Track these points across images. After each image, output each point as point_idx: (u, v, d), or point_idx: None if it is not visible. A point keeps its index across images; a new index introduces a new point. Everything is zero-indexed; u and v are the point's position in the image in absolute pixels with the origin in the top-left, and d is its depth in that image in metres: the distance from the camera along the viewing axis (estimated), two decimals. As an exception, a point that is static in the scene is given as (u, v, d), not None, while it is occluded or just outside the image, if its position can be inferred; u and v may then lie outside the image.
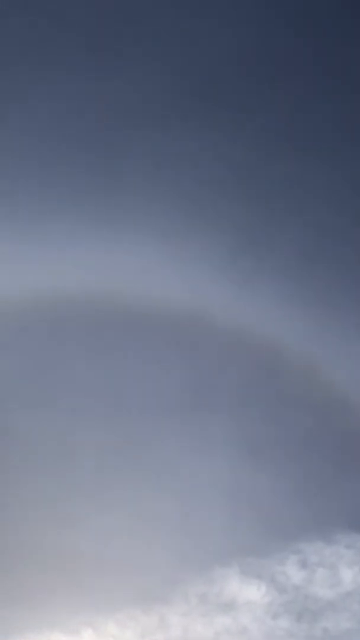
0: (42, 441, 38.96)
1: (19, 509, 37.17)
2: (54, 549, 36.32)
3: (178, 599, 37.93)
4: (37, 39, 26.99)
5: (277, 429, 33.78)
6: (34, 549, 35.58)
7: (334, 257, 29.34)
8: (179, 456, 39.56)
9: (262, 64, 28.76)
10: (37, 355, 40.96)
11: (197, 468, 38.63)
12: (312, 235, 30.74)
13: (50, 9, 27.15)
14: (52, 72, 26.08)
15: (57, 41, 26.65)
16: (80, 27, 26.49)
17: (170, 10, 27.77)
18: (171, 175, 31.21)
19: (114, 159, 31.16)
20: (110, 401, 39.71)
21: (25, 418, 39.24)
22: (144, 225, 37.21)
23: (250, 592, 37.30)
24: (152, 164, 30.08)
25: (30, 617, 34.32)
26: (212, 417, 41.20)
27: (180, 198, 37.43)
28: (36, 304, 34.38)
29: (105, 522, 36.86)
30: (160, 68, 27.68)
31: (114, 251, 38.92)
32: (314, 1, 27.08)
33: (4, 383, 36.90)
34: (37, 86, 26.63)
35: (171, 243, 37.91)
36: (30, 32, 26.67)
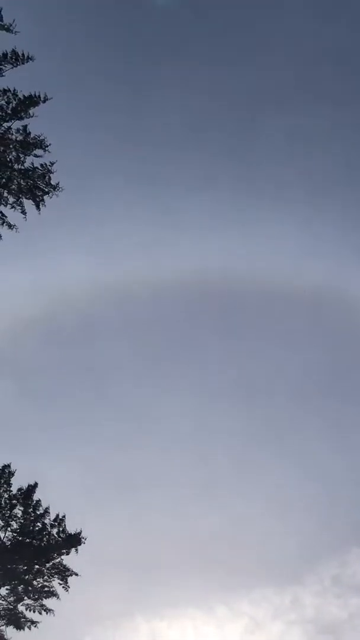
0: (177, 426, 38.56)
1: (161, 496, 37.00)
2: (193, 532, 36.18)
3: (312, 579, 37.16)
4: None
5: None
6: (174, 532, 35.56)
7: None
8: (315, 441, 38.56)
9: None
10: (170, 335, 40.47)
11: (334, 453, 37.65)
12: None
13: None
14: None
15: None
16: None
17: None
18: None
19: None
20: (245, 384, 39.02)
21: (159, 401, 38.92)
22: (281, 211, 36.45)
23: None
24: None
25: (168, 594, 34.34)
26: (349, 402, 39.88)
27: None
28: (172, 284, 34.25)
29: (242, 506, 36.48)
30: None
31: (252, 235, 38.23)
32: None
33: (132, 362, 36.85)
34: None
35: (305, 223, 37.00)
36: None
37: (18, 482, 19.65)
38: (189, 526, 36.31)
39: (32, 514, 19.04)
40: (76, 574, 19.05)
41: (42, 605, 19.39)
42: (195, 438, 37.08)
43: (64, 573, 19.19)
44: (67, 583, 19.11)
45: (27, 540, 19.02)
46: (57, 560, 19.21)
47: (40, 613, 19.21)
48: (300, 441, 37.03)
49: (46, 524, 18.99)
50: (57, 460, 32.75)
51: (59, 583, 19.17)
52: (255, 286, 36.74)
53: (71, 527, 19.27)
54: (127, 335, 39.06)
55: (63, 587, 18.94)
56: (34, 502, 19.08)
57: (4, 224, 16.79)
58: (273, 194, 40.62)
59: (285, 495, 35.97)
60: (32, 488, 19.89)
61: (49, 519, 19.00)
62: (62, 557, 19.21)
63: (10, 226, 16.80)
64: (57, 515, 19.03)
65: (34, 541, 19.25)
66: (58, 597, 18.97)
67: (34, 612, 19.25)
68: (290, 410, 37.46)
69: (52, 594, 19.22)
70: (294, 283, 37.15)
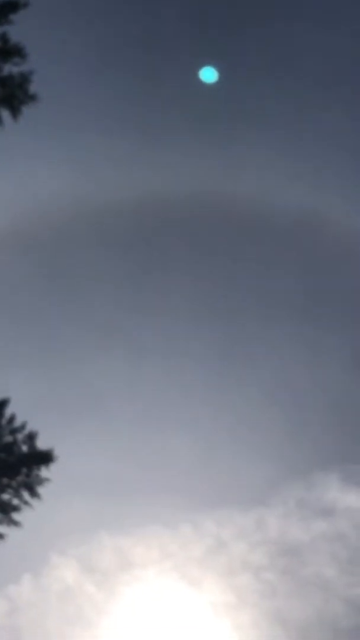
0: (148, 342, 38.66)
1: (128, 412, 37.21)
2: (160, 450, 36.60)
3: (276, 502, 37.87)
4: None
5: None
6: (141, 449, 35.76)
7: None
8: (286, 366, 38.95)
9: None
10: (148, 254, 40.35)
11: (306, 378, 38.09)
12: None
13: None
14: None
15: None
16: None
17: None
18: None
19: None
20: (219, 305, 39.08)
21: (130, 316, 38.92)
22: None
23: (350, 499, 36.79)
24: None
25: (134, 512, 34.91)
26: (323, 327, 40.14)
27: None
28: (152, 203, 33.93)
29: (210, 426, 36.89)
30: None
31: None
32: None
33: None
34: None
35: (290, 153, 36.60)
36: None
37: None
38: (156, 444, 36.84)
39: (6, 428, 19.35)
40: (47, 480, 18.49)
41: (10, 519, 19.61)
42: (167, 356, 37.28)
43: (33, 488, 19.34)
44: (36, 497, 19.31)
45: None
46: (27, 476, 19.36)
47: (8, 525, 19.48)
48: (271, 365, 37.45)
49: (17, 439, 19.22)
50: (23, 374, 32.78)
51: (27, 497, 19.45)
52: (236, 207, 36.41)
53: (42, 444, 18.82)
54: (103, 252, 38.80)
55: (32, 499, 19.11)
56: (7, 416, 18.58)
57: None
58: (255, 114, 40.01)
59: (254, 417, 36.50)
60: (3, 402, 19.85)
61: (22, 435, 18.94)
62: (32, 473, 19.44)
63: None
64: (30, 432, 18.56)
65: (3, 454, 19.57)
66: (30, 507, 18.70)
67: (1, 524, 19.53)
68: (263, 333, 37.80)
69: (19, 508, 19.44)
70: (274, 205, 36.85)
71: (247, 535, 35.45)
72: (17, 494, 19.09)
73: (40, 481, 19.36)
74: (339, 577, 34.94)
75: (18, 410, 19.67)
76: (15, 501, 19.05)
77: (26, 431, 19.30)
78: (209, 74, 36.50)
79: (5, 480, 18.87)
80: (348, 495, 34.91)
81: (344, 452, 35.40)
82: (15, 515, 19.73)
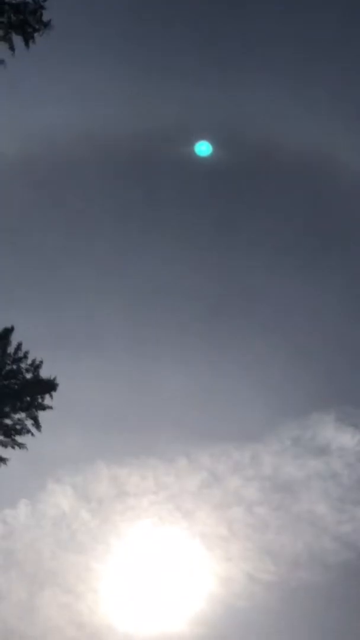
0: (150, 280, 38.56)
1: (129, 347, 37.39)
2: (158, 385, 36.86)
3: (272, 439, 38.33)
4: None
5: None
6: (140, 383, 36.14)
7: None
8: (289, 307, 38.98)
9: None
10: (151, 190, 39.98)
11: (306, 320, 38.21)
12: None
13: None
14: None
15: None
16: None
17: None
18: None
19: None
20: (221, 248, 39.04)
21: (133, 250, 38.69)
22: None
23: (345, 439, 37.21)
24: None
25: (131, 444, 35.27)
26: (325, 269, 40.14)
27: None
28: (158, 139, 33.59)
29: (209, 361, 37.10)
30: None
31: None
32: None
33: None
34: None
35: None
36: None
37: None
38: (154, 380, 37.22)
39: (10, 356, 19.65)
40: (49, 407, 19.43)
41: (13, 441, 20.05)
42: (167, 292, 37.42)
43: (35, 415, 19.74)
44: (38, 424, 19.72)
45: (0, 381, 19.83)
46: (30, 403, 19.74)
47: (13, 448, 19.90)
48: (272, 305, 37.58)
49: (22, 367, 19.58)
50: (25, 307, 32.95)
51: (29, 424, 19.87)
52: (243, 149, 36.14)
53: (45, 374, 19.54)
54: (107, 187, 38.57)
55: (35, 426, 19.55)
56: (13, 344, 19.28)
57: (-7, 54, 16.65)
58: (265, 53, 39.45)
59: (253, 356, 36.87)
60: (8, 330, 20.14)
61: (26, 364, 19.44)
62: (35, 401, 19.83)
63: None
64: (34, 361, 19.23)
65: (7, 381, 19.95)
66: (32, 434, 19.32)
67: (5, 447, 19.97)
68: (264, 273, 37.80)
69: (23, 431, 19.88)
70: (282, 146, 36.59)
71: (242, 470, 36.16)
72: (20, 420, 19.50)
73: (43, 408, 19.76)
74: (329, 514, 35.73)
75: (21, 338, 19.98)
76: (18, 426, 19.47)
77: (30, 360, 19.67)
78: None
79: (8, 406, 19.28)
80: (342, 436, 35.50)
81: (340, 394, 35.89)
82: (19, 439, 20.26)
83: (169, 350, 37.19)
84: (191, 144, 35.72)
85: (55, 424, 19.88)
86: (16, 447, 19.61)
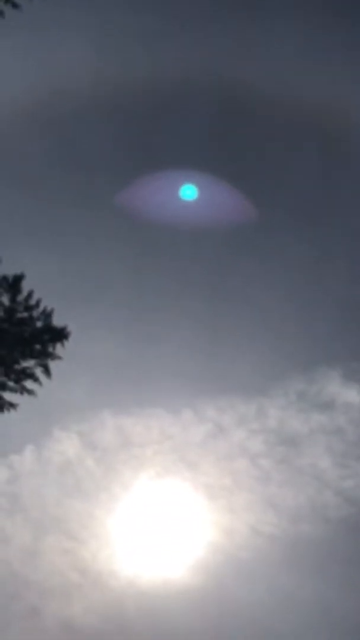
0: (155, 230, 38.34)
1: (138, 299, 37.28)
2: (165, 336, 36.73)
3: (278, 393, 38.45)
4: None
5: None
6: (147, 327, 35.97)
7: None
8: (296, 259, 38.92)
9: None
10: (164, 136, 39.55)
11: (317, 272, 38.09)
12: None
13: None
14: None
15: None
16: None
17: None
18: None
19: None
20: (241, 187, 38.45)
21: (145, 195, 38.48)
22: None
23: (350, 396, 37.28)
24: None
25: (137, 394, 35.44)
26: (332, 221, 39.93)
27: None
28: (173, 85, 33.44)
29: (217, 315, 37.02)
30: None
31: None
32: None
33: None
34: None
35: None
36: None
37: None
38: (162, 330, 37.15)
39: (21, 304, 19.47)
40: (60, 357, 18.99)
41: (22, 387, 20.02)
42: (173, 243, 37.19)
43: (46, 364, 19.67)
44: (48, 373, 19.66)
45: (11, 328, 19.08)
46: (41, 352, 19.65)
47: (21, 393, 19.85)
48: (278, 257, 37.31)
49: (33, 315, 19.21)
50: (39, 253, 32.80)
51: (40, 373, 19.81)
52: (255, 96, 35.50)
53: (57, 322, 18.96)
54: (120, 134, 38.08)
55: (44, 374, 19.05)
56: (24, 292, 18.63)
57: (8, 2, 16.27)
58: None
59: (260, 309, 36.76)
60: (19, 278, 19.91)
61: (37, 311, 18.98)
62: (46, 349, 19.74)
63: (14, 5, 16.31)
64: (45, 309, 18.65)
65: (18, 329, 19.80)
66: (40, 383, 18.97)
67: (15, 392, 19.94)
68: (270, 224, 37.40)
69: (33, 376, 19.78)
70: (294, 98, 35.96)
71: (247, 423, 36.30)
72: (30, 368, 19.46)
73: (54, 357, 19.69)
74: (332, 469, 36.00)
75: (34, 287, 19.81)
76: (28, 372, 19.44)
77: (42, 308, 19.53)
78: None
79: (19, 353, 19.21)
80: (348, 392, 35.58)
81: (348, 349, 35.91)
82: (29, 385, 20.24)
83: (176, 301, 37.10)
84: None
85: (62, 372, 19.86)
86: (25, 393, 19.65)
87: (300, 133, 38.78)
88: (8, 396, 19.56)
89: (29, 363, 19.41)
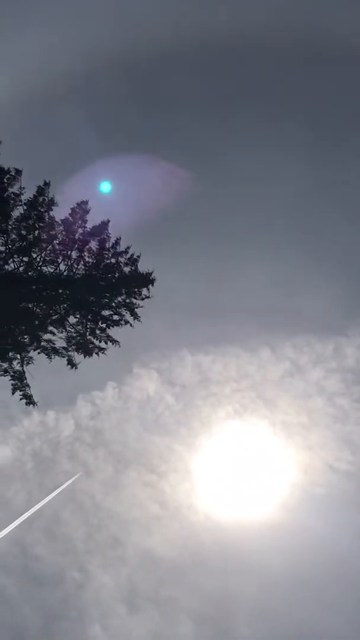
0: (235, 169, 37.90)
1: (220, 246, 37.25)
2: (245, 277, 36.41)
3: (355, 332, 38.09)
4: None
5: None
6: (225, 274, 35.82)
7: None
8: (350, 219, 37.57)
9: None
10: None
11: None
12: None
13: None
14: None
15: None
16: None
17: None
18: None
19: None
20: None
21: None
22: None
23: None
24: None
25: (215, 333, 35.49)
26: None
27: None
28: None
29: (296, 257, 36.62)
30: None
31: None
32: None
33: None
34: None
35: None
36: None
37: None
38: (242, 272, 37.21)
39: (109, 251, 20.09)
40: (146, 301, 19.89)
41: (108, 336, 20.58)
42: (255, 178, 36.74)
43: (132, 306, 20.12)
44: (135, 316, 20.14)
45: (99, 274, 19.85)
46: (127, 296, 20.10)
47: (106, 343, 20.49)
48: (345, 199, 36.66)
49: (120, 262, 19.87)
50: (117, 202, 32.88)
51: (127, 316, 20.31)
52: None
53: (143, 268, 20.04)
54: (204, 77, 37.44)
55: (132, 317, 19.86)
56: (112, 239, 19.58)
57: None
58: None
59: (341, 246, 36.22)
60: (105, 224, 20.27)
61: (125, 257, 19.78)
62: (132, 296, 20.18)
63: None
64: (132, 255, 19.58)
65: (106, 275, 20.41)
66: (131, 325, 19.84)
67: (100, 341, 20.58)
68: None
69: (121, 322, 20.40)
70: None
71: (324, 362, 36.30)
72: (118, 312, 19.93)
73: (142, 299, 20.08)
74: None
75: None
76: (115, 317, 19.92)
77: (129, 255, 19.88)
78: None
79: (107, 299, 19.68)
80: None
81: None
82: (113, 333, 20.81)
83: (256, 243, 36.90)
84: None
85: (143, 313, 20.20)
86: (110, 343, 20.19)
87: None
88: (97, 342, 20.16)
89: (116, 309, 19.91)
